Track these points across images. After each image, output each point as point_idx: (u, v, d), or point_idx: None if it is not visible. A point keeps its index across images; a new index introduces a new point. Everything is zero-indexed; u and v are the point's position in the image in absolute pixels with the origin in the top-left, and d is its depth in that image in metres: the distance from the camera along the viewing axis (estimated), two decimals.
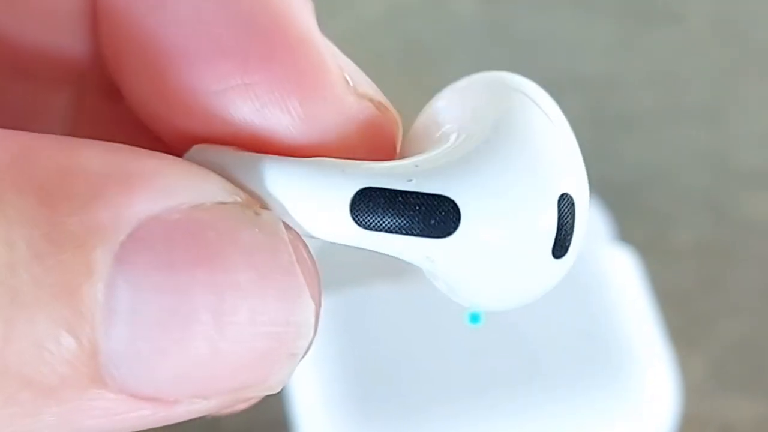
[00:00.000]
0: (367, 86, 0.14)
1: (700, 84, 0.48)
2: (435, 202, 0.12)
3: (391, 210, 0.12)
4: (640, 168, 0.45)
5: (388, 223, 0.12)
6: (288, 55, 0.12)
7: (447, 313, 0.33)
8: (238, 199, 0.12)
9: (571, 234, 0.13)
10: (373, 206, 0.12)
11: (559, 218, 0.13)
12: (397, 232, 0.12)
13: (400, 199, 0.12)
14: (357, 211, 0.12)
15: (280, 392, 0.13)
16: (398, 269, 0.27)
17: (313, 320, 0.12)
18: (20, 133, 0.12)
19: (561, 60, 0.48)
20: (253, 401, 0.12)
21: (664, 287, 0.40)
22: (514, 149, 0.13)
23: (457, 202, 0.12)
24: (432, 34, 0.50)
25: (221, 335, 0.11)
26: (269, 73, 0.12)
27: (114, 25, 0.13)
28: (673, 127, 0.46)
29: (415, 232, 0.12)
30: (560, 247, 0.13)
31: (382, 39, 0.49)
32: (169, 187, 0.11)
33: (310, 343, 0.12)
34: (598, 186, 0.43)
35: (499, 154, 0.13)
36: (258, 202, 0.12)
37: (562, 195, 0.13)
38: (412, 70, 0.48)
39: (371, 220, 0.12)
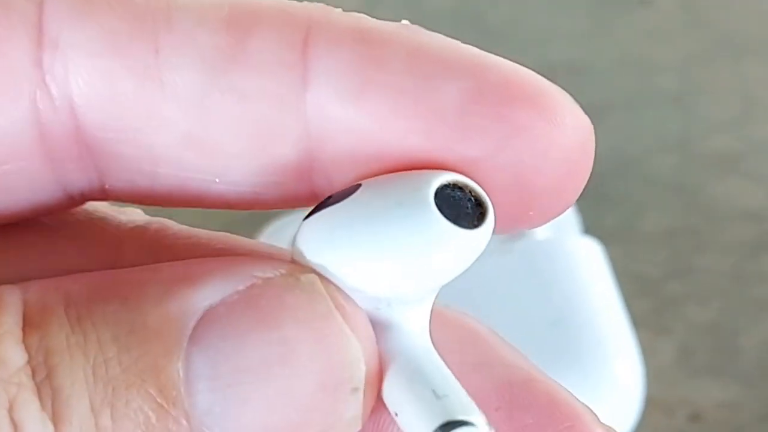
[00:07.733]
0: None
1: (668, 70, 0.48)
2: None
3: None
4: (610, 155, 0.45)
5: None
6: None
7: None
8: (283, 272, 0.14)
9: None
10: None
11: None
12: None
13: None
14: None
15: None
16: None
17: (360, 355, 0.14)
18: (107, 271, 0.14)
19: (531, 48, 0.48)
20: None
21: (633, 273, 0.41)
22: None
23: None
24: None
25: (286, 380, 0.13)
26: None
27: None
28: (641, 113, 0.47)
29: None
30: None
31: None
32: (227, 278, 0.14)
33: (368, 378, 0.14)
34: None
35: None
36: (300, 269, 0.14)
37: None
38: None
39: None
